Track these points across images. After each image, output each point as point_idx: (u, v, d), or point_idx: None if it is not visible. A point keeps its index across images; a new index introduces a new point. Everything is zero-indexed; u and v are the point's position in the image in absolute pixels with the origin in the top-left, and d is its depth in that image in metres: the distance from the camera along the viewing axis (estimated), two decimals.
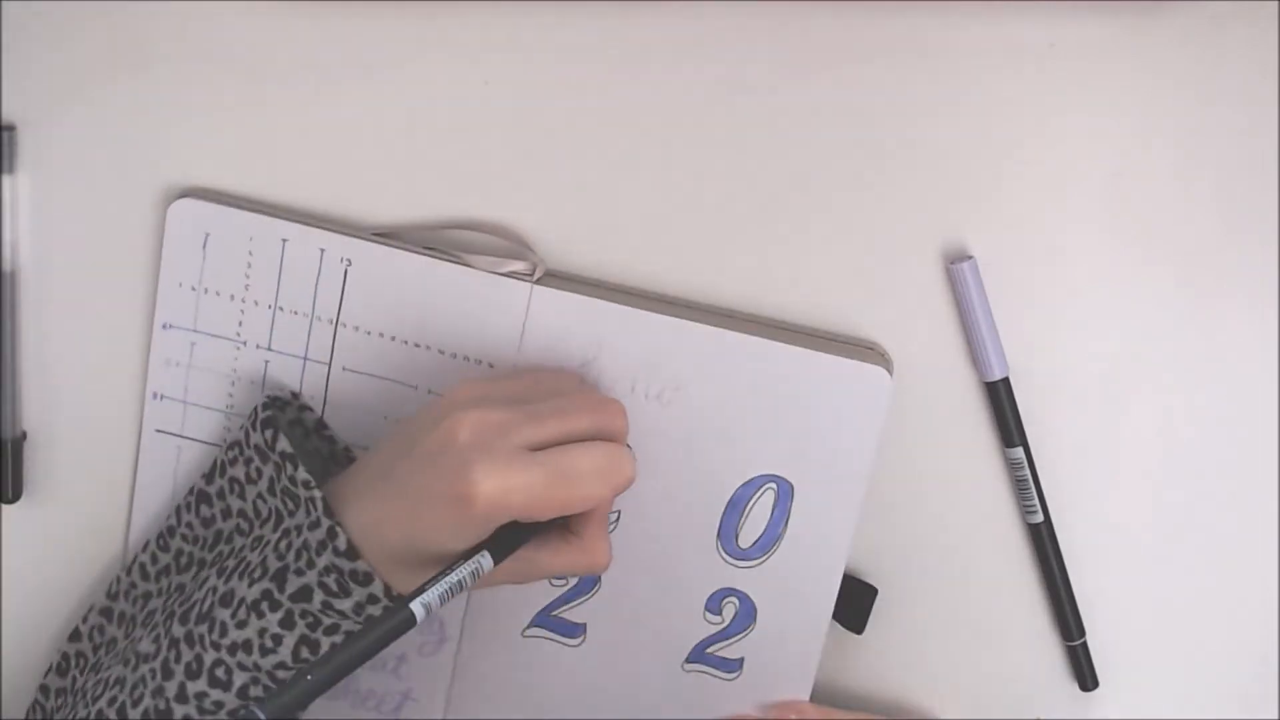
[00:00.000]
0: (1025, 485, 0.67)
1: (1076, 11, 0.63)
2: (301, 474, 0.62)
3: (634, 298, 0.67)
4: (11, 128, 0.69)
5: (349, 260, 0.67)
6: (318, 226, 0.67)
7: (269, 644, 0.61)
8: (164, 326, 0.69)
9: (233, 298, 0.68)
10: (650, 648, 0.70)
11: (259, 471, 0.65)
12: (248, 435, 0.65)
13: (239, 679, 0.61)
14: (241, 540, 0.65)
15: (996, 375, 0.66)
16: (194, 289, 0.68)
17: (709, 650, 0.69)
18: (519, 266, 0.66)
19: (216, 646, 0.61)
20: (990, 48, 0.63)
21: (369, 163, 0.68)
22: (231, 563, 0.64)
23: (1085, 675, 0.70)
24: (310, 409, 0.68)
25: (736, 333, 0.66)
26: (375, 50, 0.66)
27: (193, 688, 0.62)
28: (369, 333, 0.68)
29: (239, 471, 0.66)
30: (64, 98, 0.68)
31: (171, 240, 0.68)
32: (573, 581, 0.69)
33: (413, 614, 0.56)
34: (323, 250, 0.67)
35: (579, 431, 0.60)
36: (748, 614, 0.69)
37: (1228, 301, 0.66)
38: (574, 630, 0.70)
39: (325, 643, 0.61)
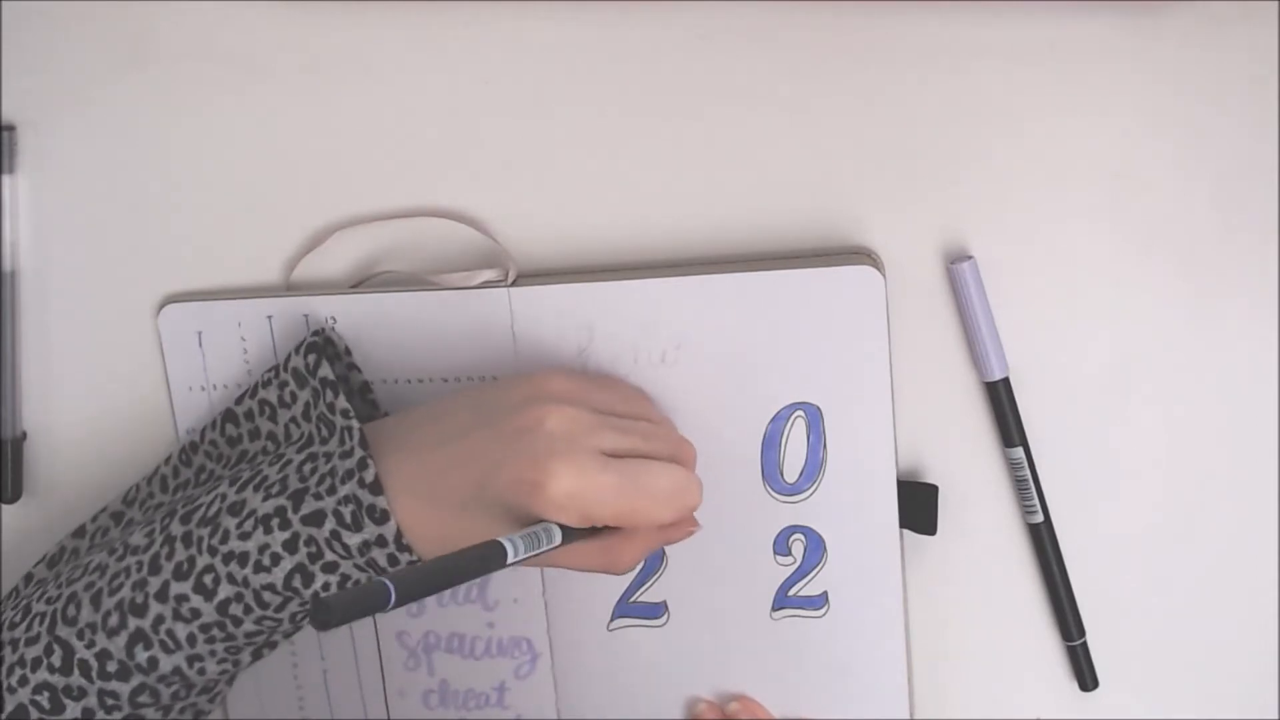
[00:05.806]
0: (1025, 485, 0.67)
1: (1076, 11, 0.63)
2: (341, 403, 0.62)
3: (610, 273, 0.67)
4: (11, 128, 0.69)
5: (333, 319, 0.68)
6: (295, 295, 0.68)
7: (266, 562, 0.61)
8: (186, 431, 0.70)
9: (240, 386, 0.69)
10: (733, 605, 0.69)
11: (294, 396, 0.65)
12: (287, 360, 0.66)
13: (224, 591, 0.61)
14: (262, 458, 0.65)
15: (996, 375, 0.66)
16: (203, 389, 0.69)
17: (790, 593, 0.68)
18: (491, 274, 0.66)
19: (213, 552, 0.61)
20: (990, 48, 0.63)
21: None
22: (247, 473, 0.63)
23: (1085, 675, 0.70)
24: (359, 370, 0.68)
25: (720, 274, 0.65)
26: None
27: (175, 588, 0.62)
28: (369, 381, 0.68)
29: (271, 394, 0.66)
30: (64, 98, 0.68)
31: (169, 346, 0.69)
32: (639, 565, 0.68)
33: (503, 547, 0.54)
34: (306, 316, 0.68)
35: (656, 454, 0.61)
36: (816, 546, 0.68)
37: (1228, 301, 0.66)
38: (656, 610, 0.70)
39: (320, 578, 0.61)
